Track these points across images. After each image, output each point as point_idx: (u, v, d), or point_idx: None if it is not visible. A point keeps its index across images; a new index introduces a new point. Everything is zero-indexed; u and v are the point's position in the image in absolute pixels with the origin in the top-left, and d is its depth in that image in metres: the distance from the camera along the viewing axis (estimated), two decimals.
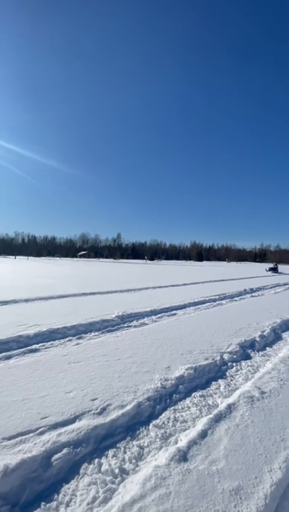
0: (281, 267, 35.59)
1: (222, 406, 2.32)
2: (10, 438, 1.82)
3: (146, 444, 1.90)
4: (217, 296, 8.72)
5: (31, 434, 1.87)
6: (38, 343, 3.79)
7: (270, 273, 27.78)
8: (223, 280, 16.14)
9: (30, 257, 69.14)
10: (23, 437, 1.84)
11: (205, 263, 69.68)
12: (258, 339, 4.28)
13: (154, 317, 5.57)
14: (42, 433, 1.88)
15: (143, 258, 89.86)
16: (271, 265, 32.00)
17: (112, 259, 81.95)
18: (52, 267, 28.35)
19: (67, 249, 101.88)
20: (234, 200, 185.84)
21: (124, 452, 1.81)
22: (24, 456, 1.65)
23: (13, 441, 1.80)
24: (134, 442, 1.91)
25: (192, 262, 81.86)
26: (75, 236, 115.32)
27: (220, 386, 2.79)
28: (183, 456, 1.72)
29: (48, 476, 1.60)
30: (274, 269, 29.09)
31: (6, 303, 6.45)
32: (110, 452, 1.81)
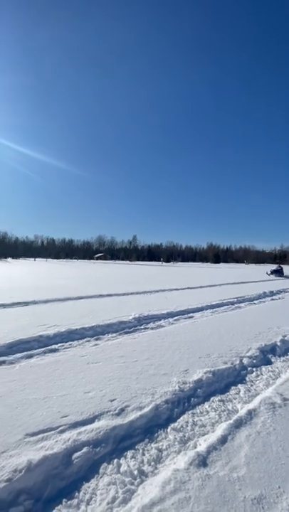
0: (287, 269, 29.00)
1: (242, 412, 2.27)
2: (32, 434, 1.88)
3: (164, 447, 1.89)
4: (235, 299, 8.53)
5: (52, 432, 1.92)
6: (57, 343, 3.88)
7: (272, 276, 22.70)
8: (241, 282, 15.76)
9: (49, 259, 71.19)
10: (45, 434, 1.89)
11: (222, 265, 68.37)
12: (279, 344, 4.13)
13: (170, 319, 5.55)
14: (63, 431, 1.93)
15: (159, 260, 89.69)
16: (274, 267, 25.58)
17: (128, 261, 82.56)
18: (69, 268, 29.00)
19: (85, 252, 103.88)
20: (252, 200, 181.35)
21: (143, 454, 1.82)
22: (46, 452, 1.70)
23: (36, 437, 1.86)
24: (153, 445, 1.91)
25: (209, 263, 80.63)
26: (91, 238, 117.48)
27: (239, 391, 2.72)
28: (202, 461, 1.69)
29: (69, 474, 1.64)
30: (277, 272, 23.63)
31: (26, 304, 6.68)
32: (129, 453, 1.82)
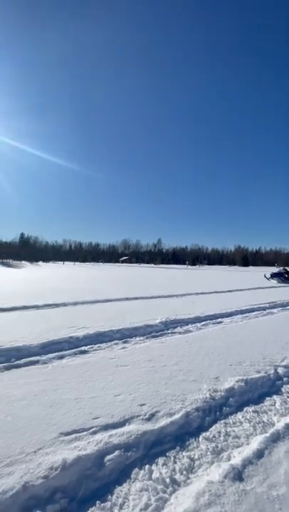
0: None
1: (279, 425, 2.14)
2: (66, 434, 1.94)
3: (196, 456, 1.84)
4: (267, 304, 8.13)
5: (85, 433, 1.96)
6: (86, 345, 3.98)
7: (274, 282, 17.93)
8: (272, 287, 15.00)
9: (77, 263, 73.68)
10: (78, 435, 1.94)
11: (251, 268, 65.66)
12: None
13: (198, 324, 5.43)
14: (94, 433, 1.96)
15: (184, 263, 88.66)
16: (276, 270, 19.48)
17: (152, 265, 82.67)
18: (96, 271, 29.76)
19: (110, 255, 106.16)
20: (282, 201, 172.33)
21: (175, 462, 1.78)
22: (80, 453, 1.74)
23: (69, 437, 1.91)
24: (184, 453, 1.87)
25: (237, 267, 77.94)
26: (117, 242, 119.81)
27: (275, 402, 2.57)
28: (238, 475, 1.62)
29: (101, 476, 1.66)
30: (280, 276, 18.04)
31: (57, 305, 6.97)
32: (160, 460, 1.79)
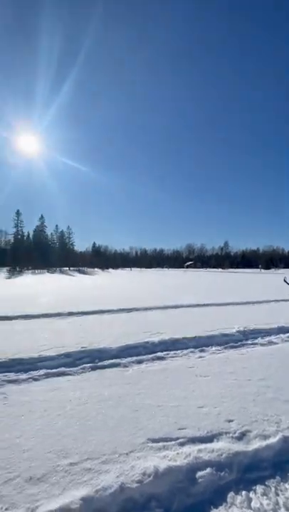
0: None
1: None
2: (154, 441, 1.95)
3: None
4: None
5: (172, 443, 1.93)
6: (162, 351, 4.00)
7: None
8: None
9: (143, 269, 76.42)
10: (166, 444, 1.92)
11: None
12: None
13: (283, 336, 4.83)
14: (182, 444, 1.91)
15: (256, 267, 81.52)
16: None
17: (220, 269, 78.97)
18: (163, 277, 30.14)
19: (174, 260, 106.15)
20: None
21: (277, 494, 1.57)
22: (170, 463, 1.71)
23: (157, 444, 1.91)
24: (287, 486, 1.63)
25: None
26: (180, 247, 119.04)
27: None
28: None
29: (194, 492, 1.59)
30: None
31: (129, 311, 7.29)
32: (259, 489, 1.61)
